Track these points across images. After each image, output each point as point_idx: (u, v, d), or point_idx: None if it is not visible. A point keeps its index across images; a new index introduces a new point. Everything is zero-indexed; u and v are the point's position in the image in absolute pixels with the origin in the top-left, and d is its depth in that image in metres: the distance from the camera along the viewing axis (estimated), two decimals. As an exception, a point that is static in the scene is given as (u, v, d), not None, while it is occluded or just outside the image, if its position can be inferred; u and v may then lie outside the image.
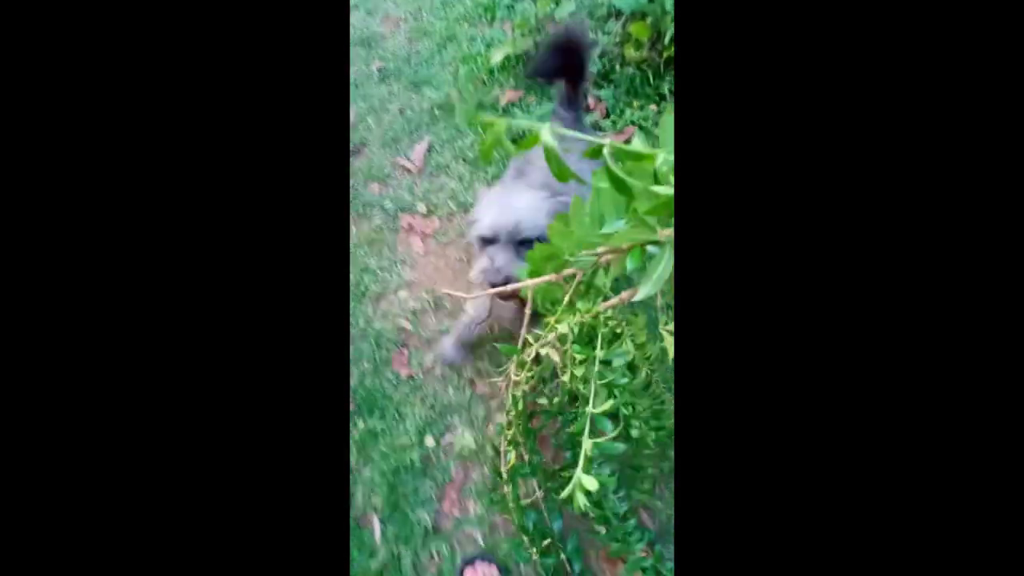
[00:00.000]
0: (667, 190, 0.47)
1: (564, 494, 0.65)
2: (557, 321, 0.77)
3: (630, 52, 1.87)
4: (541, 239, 1.01)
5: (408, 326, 1.50)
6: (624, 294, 0.69)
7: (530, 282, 0.79)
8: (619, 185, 0.49)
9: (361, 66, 2.14)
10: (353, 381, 1.40)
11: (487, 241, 1.06)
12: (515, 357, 0.85)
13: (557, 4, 1.92)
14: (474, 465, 1.29)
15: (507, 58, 1.95)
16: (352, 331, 1.49)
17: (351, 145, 1.89)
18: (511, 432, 0.91)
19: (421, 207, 1.73)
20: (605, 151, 0.48)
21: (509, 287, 0.89)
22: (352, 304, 1.54)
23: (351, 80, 2.09)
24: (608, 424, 0.73)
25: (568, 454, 1.04)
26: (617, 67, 1.89)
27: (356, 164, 1.86)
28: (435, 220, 1.71)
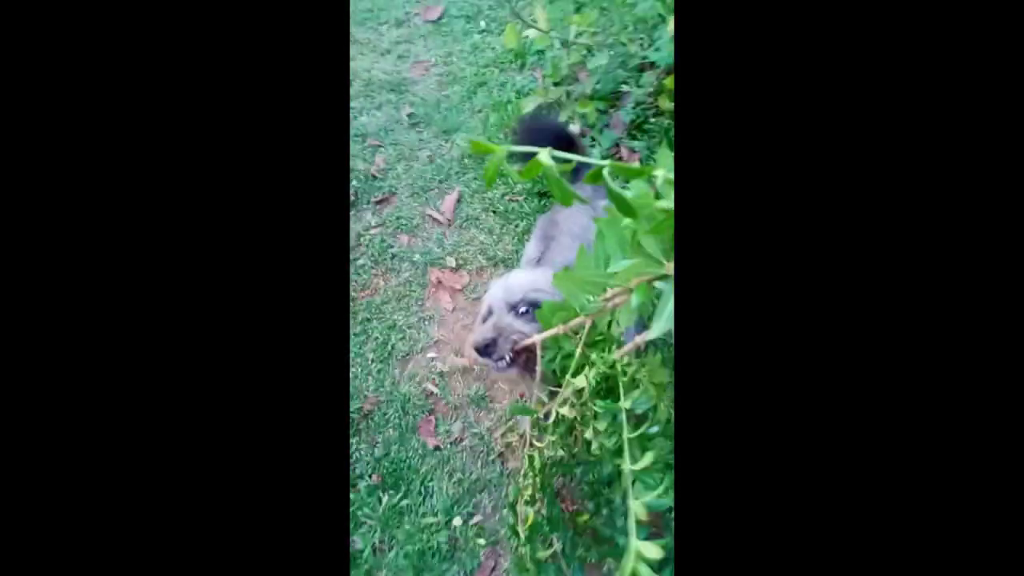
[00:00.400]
0: (668, 203, 0.46)
1: (626, 572, 0.57)
2: (573, 375, 0.70)
3: (664, 103, 1.80)
4: (537, 306, 0.92)
5: (436, 390, 1.42)
6: (638, 338, 0.65)
7: (538, 336, 0.74)
8: (621, 204, 0.49)
9: (391, 112, 2.11)
10: (378, 451, 1.32)
11: (485, 319, 0.98)
12: (530, 418, 0.78)
13: (590, 53, 1.86)
14: (504, 550, 1.20)
15: (539, 107, 1.89)
16: (378, 394, 1.42)
17: (380, 193, 1.85)
18: (528, 491, 0.84)
19: (450, 261, 1.67)
20: (605, 172, 0.48)
21: (521, 344, 0.84)
22: (379, 365, 1.47)
23: (381, 126, 2.05)
24: (652, 479, 0.66)
25: (591, 504, 0.96)
26: (651, 118, 1.82)
27: (385, 213, 1.81)
28: (464, 275, 1.64)
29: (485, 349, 0.92)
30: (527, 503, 0.86)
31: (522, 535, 0.86)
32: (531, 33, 1.77)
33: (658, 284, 0.55)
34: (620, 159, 1.82)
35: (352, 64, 2.30)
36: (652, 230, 0.49)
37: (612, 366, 0.68)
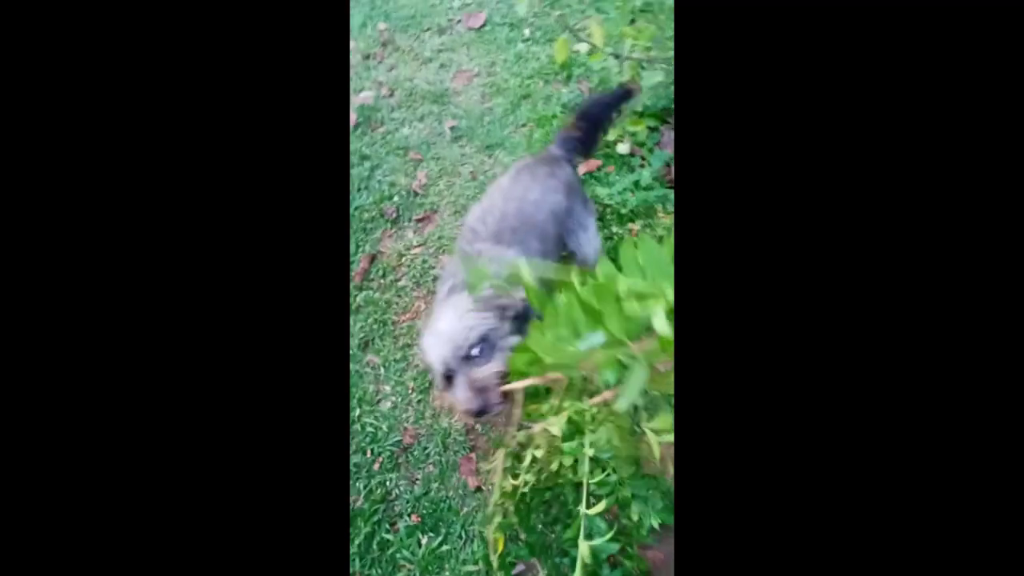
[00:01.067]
0: (636, 310, 0.49)
1: None
2: (543, 416, 0.73)
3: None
4: (486, 339, 0.96)
5: (477, 425, 1.34)
6: (607, 393, 0.67)
7: (517, 384, 0.72)
8: (586, 309, 0.53)
9: (433, 124, 2.02)
10: (418, 489, 1.25)
11: (447, 378, 0.98)
12: (502, 451, 0.81)
13: (642, 68, 1.73)
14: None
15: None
16: (418, 427, 1.35)
17: (422, 211, 1.76)
18: (498, 518, 0.84)
19: (492, 285, 1.58)
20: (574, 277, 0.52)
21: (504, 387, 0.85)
22: (419, 395, 1.39)
23: (423, 139, 1.96)
24: (603, 526, 0.72)
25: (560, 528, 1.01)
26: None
27: (427, 232, 1.73)
28: (507, 300, 1.55)
29: (483, 412, 0.92)
30: (496, 530, 0.84)
31: (495, 562, 0.83)
32: (582, 47, 1.65)
33: (625, 359, 0.57)
34: (670, 179, 1.70)
35: (393, 73, 2.22)
36: (620, 331, 0.52)
37: (580, 413, 0.70)
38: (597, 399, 0.69)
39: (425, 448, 1.31)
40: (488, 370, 0.94)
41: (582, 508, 0.66)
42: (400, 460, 1.30)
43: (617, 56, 1.68)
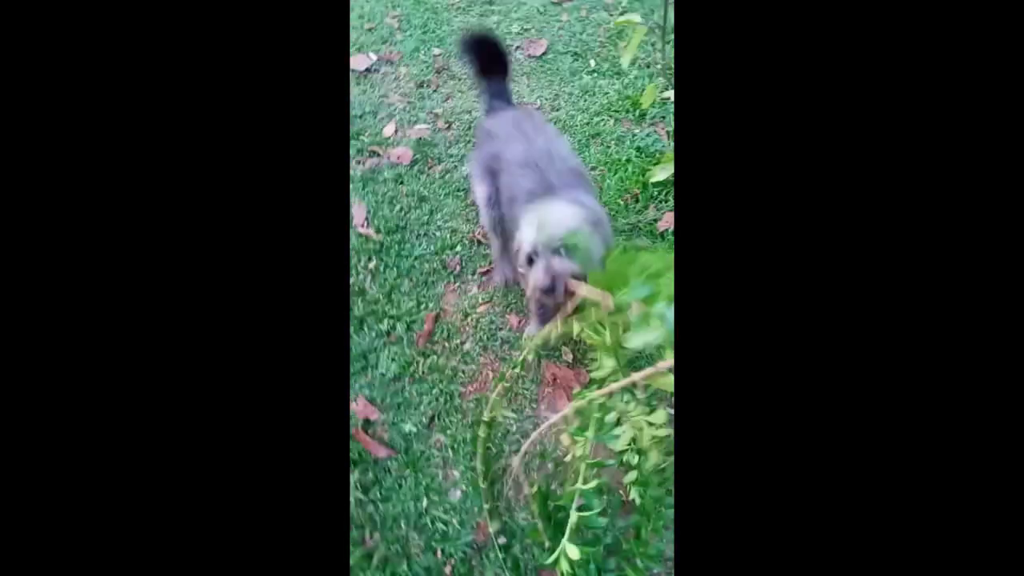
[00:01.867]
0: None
1: (550, 560, 0.74)
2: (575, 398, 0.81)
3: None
4: (576, 241, 1.06)
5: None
6: (614, 386, 0.76)
7: (579, 287, 0.85)
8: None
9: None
10: (495, 599, 1.11)
11: (531, 260, 1.10)
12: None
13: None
14: None
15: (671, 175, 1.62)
16: (492, 523, 1.20)
17: (487, 264, 1.62)
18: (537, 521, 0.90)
19: (567, 353, 1.43)
20: None
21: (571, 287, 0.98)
22: (478, 479, 1.25)
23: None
24: (595, 500, 0.75)
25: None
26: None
27: (492, 286, 1.58)
28: (583, 373, 1.40)
29: (549, 290, 1.06)
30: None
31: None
32: (670, 95, 1.49)
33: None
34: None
35: (450, 103, 2.07)
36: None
37: (590, 403, 0.78)
38: (604, 391, 0.76)
39: (501, 548, 1.16)
40: (567, 266, 1.06)
41: (578, 484, 0.75)
42: (473, 563, 1.15)
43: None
